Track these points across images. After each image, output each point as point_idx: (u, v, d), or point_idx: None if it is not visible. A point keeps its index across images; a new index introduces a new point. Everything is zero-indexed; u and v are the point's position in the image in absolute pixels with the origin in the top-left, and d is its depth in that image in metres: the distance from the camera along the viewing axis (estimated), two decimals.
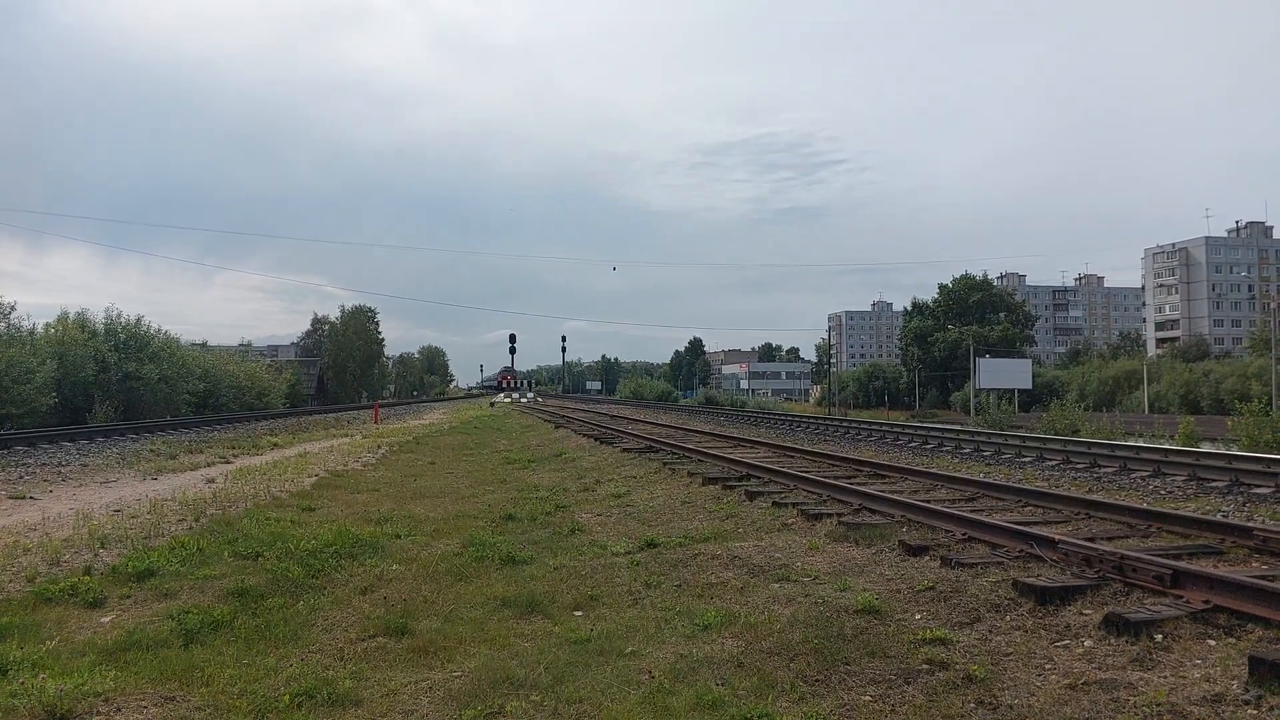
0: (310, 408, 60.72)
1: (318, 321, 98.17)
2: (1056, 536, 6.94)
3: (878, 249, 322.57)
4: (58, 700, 4.44)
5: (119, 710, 4.53)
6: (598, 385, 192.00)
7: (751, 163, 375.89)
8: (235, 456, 20.04)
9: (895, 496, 9.84)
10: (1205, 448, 21.34)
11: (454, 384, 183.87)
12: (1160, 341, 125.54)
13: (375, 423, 38.38)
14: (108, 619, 6.28)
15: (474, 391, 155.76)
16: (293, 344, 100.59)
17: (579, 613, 6.37)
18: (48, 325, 36.85)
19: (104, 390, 36.24)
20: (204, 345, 57.46)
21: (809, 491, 11.15)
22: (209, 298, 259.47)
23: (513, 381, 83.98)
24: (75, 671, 4.96)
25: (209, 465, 17.76)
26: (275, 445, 23.86)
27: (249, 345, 77.69)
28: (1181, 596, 5.35)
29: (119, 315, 40.82)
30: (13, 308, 34.25)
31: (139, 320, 41.63)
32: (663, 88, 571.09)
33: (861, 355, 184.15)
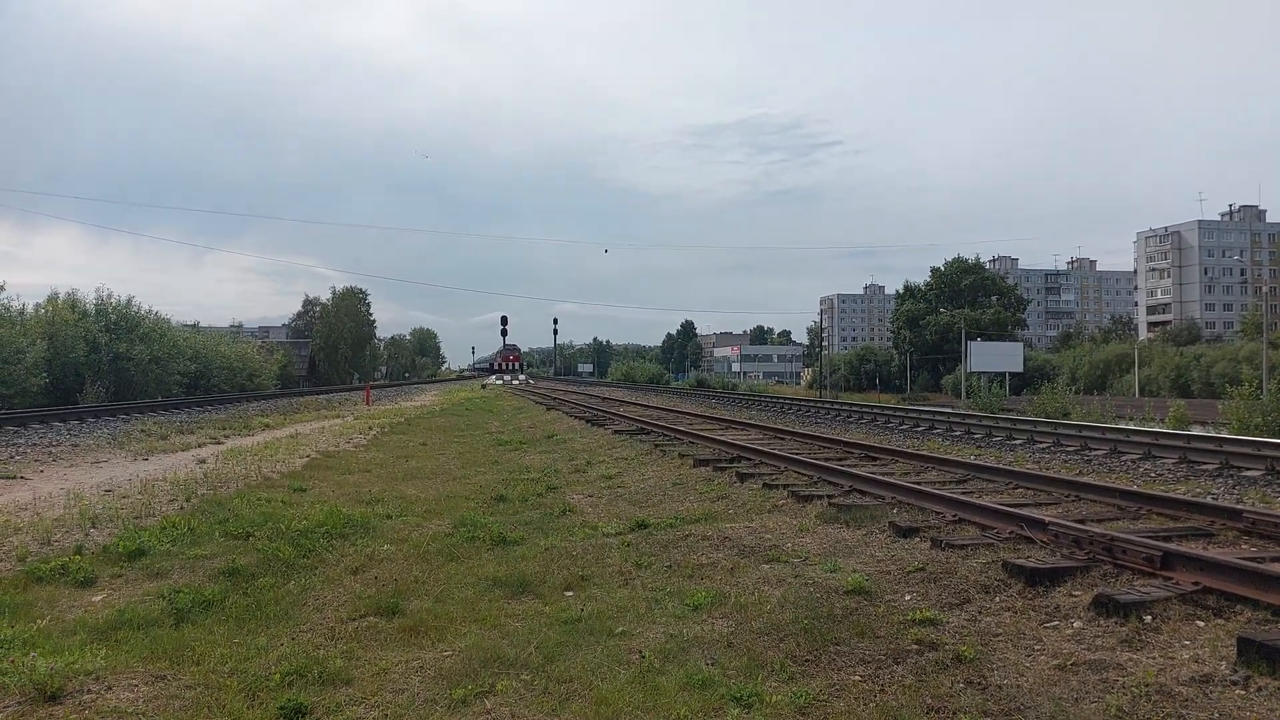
0: (301, 389, 60.56)
1: (309, 303, 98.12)
2: (1047, 518, 6.97)
3: (871, 232, 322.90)
4: (48, 678, 4.43)
5: (110, 689, 4.52)
6: (589, 368, 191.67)
7: (745, 144, 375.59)
8: (226, 437, 19.99)
9: (886, 478, 9.85)
10: (1195, 431, 21.44)
11: (446, 366, 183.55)
12: (1152, 325, 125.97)
13: (367, 404, 38.30)
14: (99, 598, 6.27)
15: (466, 373, 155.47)
16: (284, 325, 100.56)
17: (570, 593, 6.38)
18: (38, 305, 36.70)
19: (95, 371, 36.09)
20: (195, 326, 57.37)
21: (799, 473, 11.17)
22: (200, 278, 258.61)
23: (516, 362, 75.50)
24: (66, 650, 4.94)
25: (200, 446, 17.71)
26: (267, 426, 23.81)
27: (240, 326, 77.63)
28: (1171, 578, 5.38)
29: (109, 296, 40.73)
30: (2, 288, 34.12)
31: (130, 301, 41.58)
32: (655, 68, 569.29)
33: (853, 338, 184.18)
